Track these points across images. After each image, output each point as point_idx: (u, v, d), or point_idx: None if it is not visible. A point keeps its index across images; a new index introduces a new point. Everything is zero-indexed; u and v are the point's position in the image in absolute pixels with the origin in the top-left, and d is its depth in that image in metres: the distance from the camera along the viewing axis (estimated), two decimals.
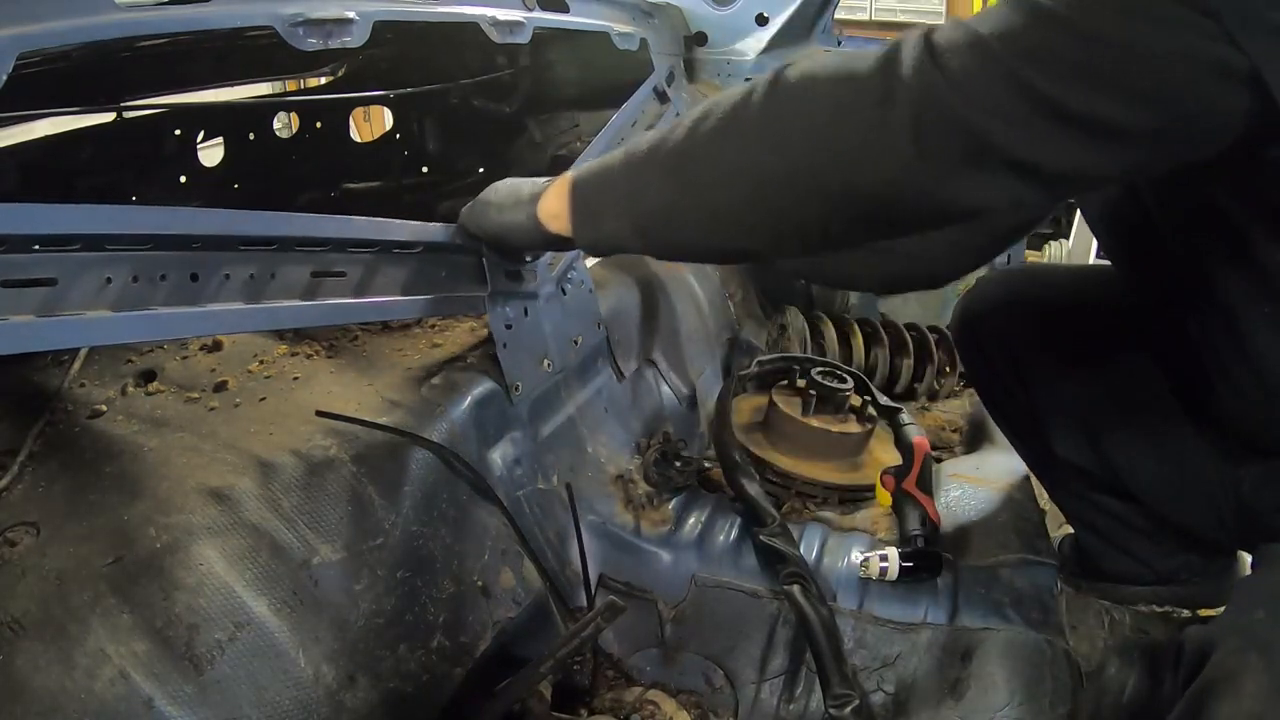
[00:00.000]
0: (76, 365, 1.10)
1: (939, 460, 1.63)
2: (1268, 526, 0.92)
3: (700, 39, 2.20)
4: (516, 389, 1.16)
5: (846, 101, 0.71)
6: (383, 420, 1.00)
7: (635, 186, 0.85)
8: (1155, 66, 0.63)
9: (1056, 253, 2.74)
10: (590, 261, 1.40)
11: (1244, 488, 0.98)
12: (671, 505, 1.29)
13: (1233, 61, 0.62)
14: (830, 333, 1.92)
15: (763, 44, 2.16)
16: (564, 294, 1.27)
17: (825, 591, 1.16)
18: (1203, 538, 1.08)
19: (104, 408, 1.02)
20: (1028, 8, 0.66)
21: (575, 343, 1.29)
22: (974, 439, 1.80)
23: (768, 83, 0.76)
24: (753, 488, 1.27)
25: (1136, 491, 1.10)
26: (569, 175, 0.94)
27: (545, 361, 1.22)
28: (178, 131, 1.66)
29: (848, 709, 1.04)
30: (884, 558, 1.16)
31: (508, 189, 1.03)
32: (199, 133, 1.70)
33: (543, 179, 1.01)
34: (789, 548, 1.17)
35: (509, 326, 1.15)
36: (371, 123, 2.89)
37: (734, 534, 1.25)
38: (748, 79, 2.11)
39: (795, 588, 1.13)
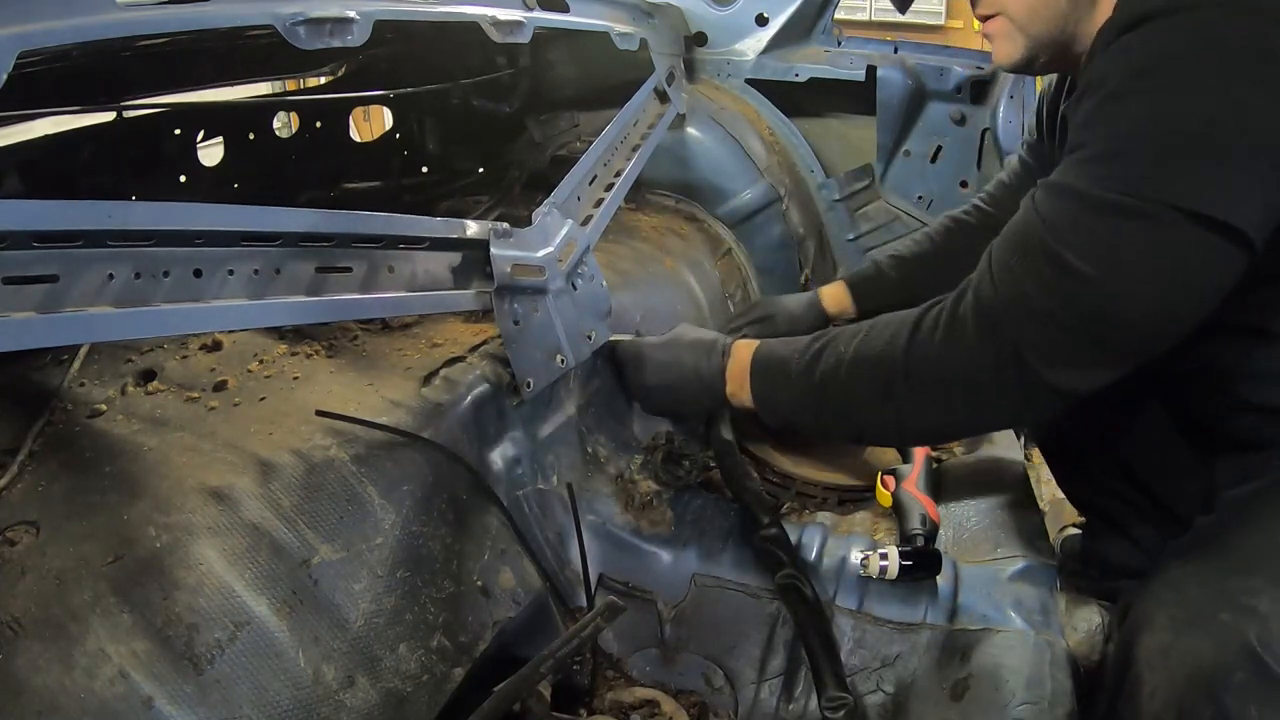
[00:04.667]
0: (76, 364, 1.09)
1: (939, 460, 1.63)
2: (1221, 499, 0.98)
3: (700, 39, 2.20)
4: (528, 385, 1.15)
5: (874, 383, 1.00)
6: (383, 420, 1.00)
7: (785, 406, 1.15)
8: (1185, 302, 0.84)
9: None
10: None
11: (1217, 468, 1.03)
12: (671, 505, 1.29)
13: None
14: None
15: (763, 44, 2.16)
16: (575, 289, 1.26)
17: (824, 591, 1.16)
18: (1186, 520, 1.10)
19: (104, 407, 1.02)
20: (1055, 277, 0.85)
21: (589, 338, 1.28)
22: (974, 439, 1.80)
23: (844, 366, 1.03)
24: (751, 487, 1.27)
25: (1126, 458, 1.15)
26: (749, 363, 1.18)
27: (559, 357, 1.21)
28: (178, 131, 1.66)
29: (841, 712, 1.04)
30: (884, 555, 1.15)
31: (678, 373, 1.24)
32: (199, 132, 1.70)
33: (712, 358, 1.22)
34: (787, 548, 1.17)
35: (517, 323, 1.14)
36: (371, 123, 2.89)
37: (734, 534, 1.25)
38: (747, 80, 2.15)
39: (790, 589, 1.13)
